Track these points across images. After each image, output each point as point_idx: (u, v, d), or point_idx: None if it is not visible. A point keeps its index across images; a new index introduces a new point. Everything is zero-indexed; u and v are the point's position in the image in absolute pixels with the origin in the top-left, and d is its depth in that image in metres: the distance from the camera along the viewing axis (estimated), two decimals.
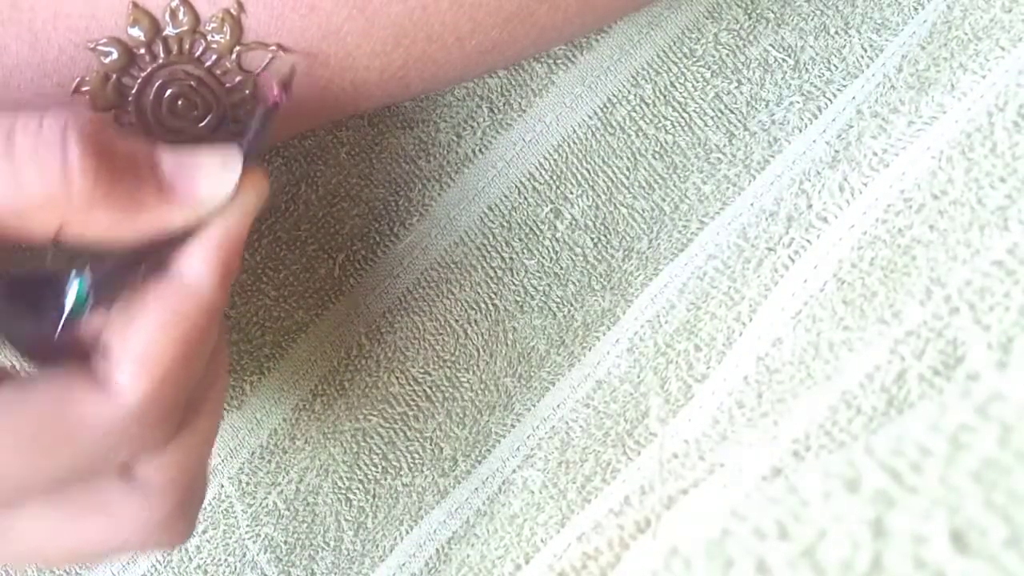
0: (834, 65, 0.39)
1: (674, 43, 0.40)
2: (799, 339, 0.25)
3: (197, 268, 0.28)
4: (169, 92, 0.31)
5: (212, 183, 0.28)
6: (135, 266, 0.28)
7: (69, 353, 0.28)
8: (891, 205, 0.27)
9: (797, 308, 0.26)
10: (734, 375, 0.26)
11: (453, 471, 0.41)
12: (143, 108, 0.31)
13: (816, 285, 0.26)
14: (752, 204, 0.38)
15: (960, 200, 0.24)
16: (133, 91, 0.31)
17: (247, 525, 0.41)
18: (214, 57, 0.31)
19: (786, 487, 0.16)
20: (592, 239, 0.40)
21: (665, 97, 0.40)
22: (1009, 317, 0.19)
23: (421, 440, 0.41)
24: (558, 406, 0.39)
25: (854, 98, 0.38)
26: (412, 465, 0.41)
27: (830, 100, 0.39)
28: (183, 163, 0.28)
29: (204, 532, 0.41)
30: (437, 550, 0.40)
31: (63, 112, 0.27)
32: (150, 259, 0.28)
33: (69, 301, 0.27)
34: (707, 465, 0.21)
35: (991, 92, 0.27)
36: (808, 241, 0.28)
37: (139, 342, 0.27)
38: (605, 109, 0.40)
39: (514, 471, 0.39)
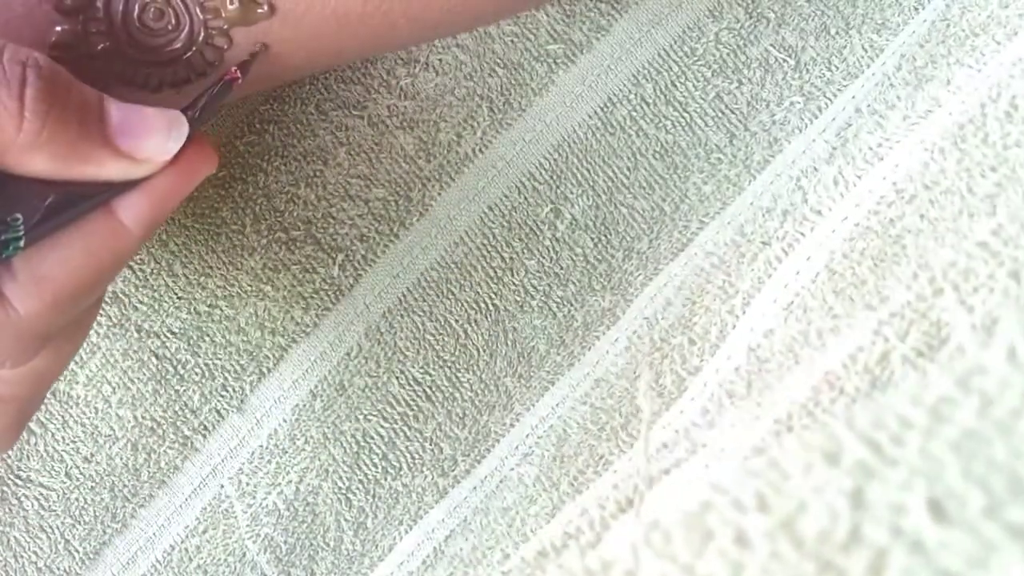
0: (835, 65, 0.39)
1: (675, 43, 0.40)
2: (790, 329, 0.25)
3: (129, 214, 0.29)
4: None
5: (155, 145, 0.28)
6: (67, 208, 0.28)
7: None
8: (883, 197, 0.27)
9: (789, 299, 0.26)
10: (726, 367, 0.26)
11: (453, 471, 0.41)
12: (113, 15, 0.30)
13: (808, 276, 0.26)
14: (752, 204, 0.38)
15: (951, 189, 0.24)
16: None
17: (247, 525, 0.41)
18: None
19: (766, 461, 0.16)
20: (592, 239, 0.40)
21: (666, 97, 0.40)
22: (993, 299, 0.19)
23: (421, 440, 0.41)
24: (557, 405, 0.39)
25: (854, 97, 0.38)
26: (412, 465, 0.41)
27: (830, 100, 0.39)
28: (130, 119, 0.28)
29: (204, 532, 0.41)
30: (434, 548, 0.40)
31: (23, 50, 0.27)
32: (84, 205, 0.28)
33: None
34: (689, 445, 0.21)
35: (985, 85, 0.27)
36: (801, 234, 0.28)
37: (50, 265, 0.28)
38: (605, 109, 0.40)
39: (512, 469, 0.39)
